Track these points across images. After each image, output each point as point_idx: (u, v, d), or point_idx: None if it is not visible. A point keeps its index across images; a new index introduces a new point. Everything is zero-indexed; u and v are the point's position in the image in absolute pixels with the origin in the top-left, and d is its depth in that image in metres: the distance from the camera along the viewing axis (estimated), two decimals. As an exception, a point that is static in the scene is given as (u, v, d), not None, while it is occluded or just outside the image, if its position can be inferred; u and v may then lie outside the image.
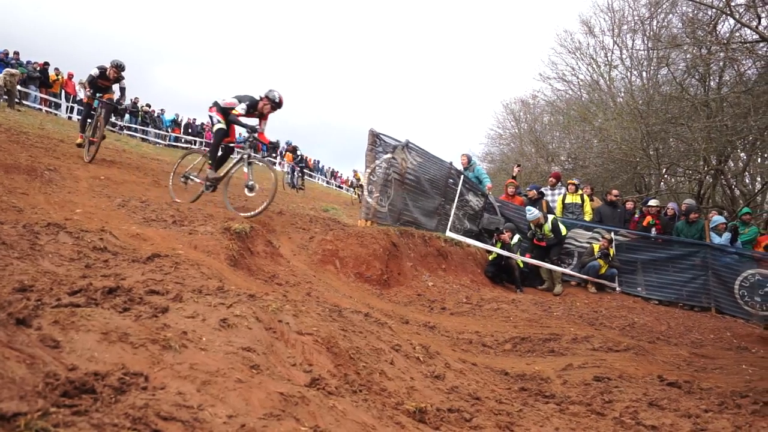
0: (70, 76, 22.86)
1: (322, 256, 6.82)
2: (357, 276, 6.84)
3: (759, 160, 18.37)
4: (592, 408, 3.08)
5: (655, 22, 17.00)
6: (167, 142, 28.28)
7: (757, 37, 12.31)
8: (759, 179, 18.71)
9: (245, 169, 7.27)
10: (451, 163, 9.91)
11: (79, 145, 9.73)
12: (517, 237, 9.28)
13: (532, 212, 9.24)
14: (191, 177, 7.67)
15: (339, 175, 49.39)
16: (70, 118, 21.96)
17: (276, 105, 7.34)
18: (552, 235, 9.23)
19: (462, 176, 9.81)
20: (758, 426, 2.73)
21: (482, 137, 78.74)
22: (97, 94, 9.48)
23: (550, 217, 9.37)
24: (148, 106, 27.04)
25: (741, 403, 3.20)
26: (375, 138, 8.67)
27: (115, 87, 9.65)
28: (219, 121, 7.30)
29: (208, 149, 7.84)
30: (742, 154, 17.49)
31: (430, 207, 9.46)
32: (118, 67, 9.35)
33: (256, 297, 2.76)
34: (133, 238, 4.13)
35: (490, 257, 9.04)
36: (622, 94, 20.38)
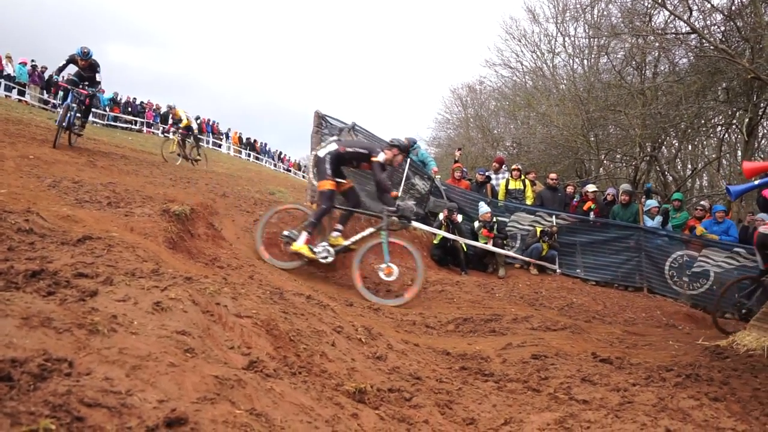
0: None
1: (267, 239, 6.72)
2: (302, 259, 6.78)
3: (690, 147, 19.33)
4: (529, 385, 3.19)
5: (595, 11, 17.48)
6: (105, 122, 27.10)
7: (689, 28, 12.85)
8: (689, 165, 19.72)
9: None
10: (398, 147, 9.92)
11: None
12: (460, 217, 9.41)
13: (484, 208, 9.41)
14: None
15: (287, 158, 48.72)
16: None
17: None
18: (496, 233, 9.43)
19: (408, 160, 9.84)
20: (679, 397, 2.89)
21: (430, 122, 79.40)
22: None
23: (495, 218, 9.56)
24: (84, 83, 25.68)
25: (666, 377, 3.37)
26: (321, 120, 8.57)
27: None
28: None
29: None
30: (675, 142, 18.33)
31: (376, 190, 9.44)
32: None
33: (193, 280, 2.68)
34: (64, 219, 3.93)
35: (435, 240, 9.15)
36: (565, 82, 20.93)
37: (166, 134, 18.08)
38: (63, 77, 10.15)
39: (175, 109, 16.53)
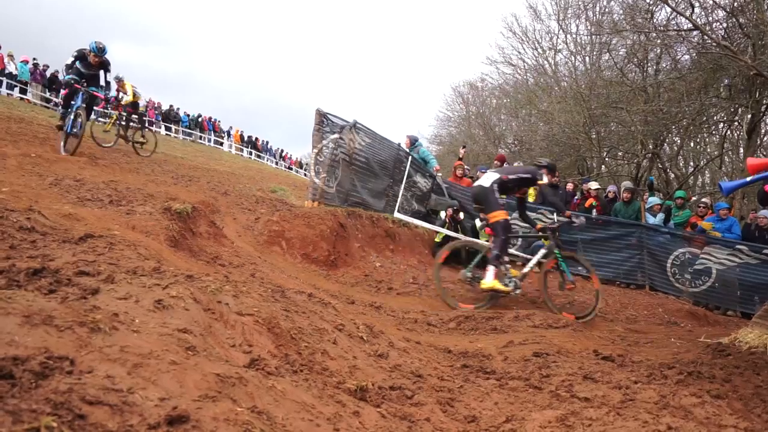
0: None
1: (268, 237, 6.73)
2: (304, 257, 6.79)
3: (691, 144, 19.28)
4: (530, 382, 3.19)
5: (597, 8, 17.44)
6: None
7: (691, 25, 12.82)
8: (691, 162, 19.68)
9: None
10: (399, 145, 9.92)
11: None
12: (461, 215, 9.41)
13: None
14: None
15: (288, 156, 48.67)
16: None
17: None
18: None
19: (410, 157, 9.83)
20: (681, 394, 2.89)
21: (432, 119, 79.30)
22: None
23: None
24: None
25: (668, 374, 3.37)
26: (322, 118, 8.56)
27: None
28: None
29: None
30: (676, 139, 18.30)
31: (378, 188, 9.44)
32: None
33: (194, 278, 2.68)
34: (66, 218, 3.94)
35: (437, 238, 9.14)
36: (567, 79, 20.90)
37: (104, 109, 14.44)
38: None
39: (123, 81, 12.90)
